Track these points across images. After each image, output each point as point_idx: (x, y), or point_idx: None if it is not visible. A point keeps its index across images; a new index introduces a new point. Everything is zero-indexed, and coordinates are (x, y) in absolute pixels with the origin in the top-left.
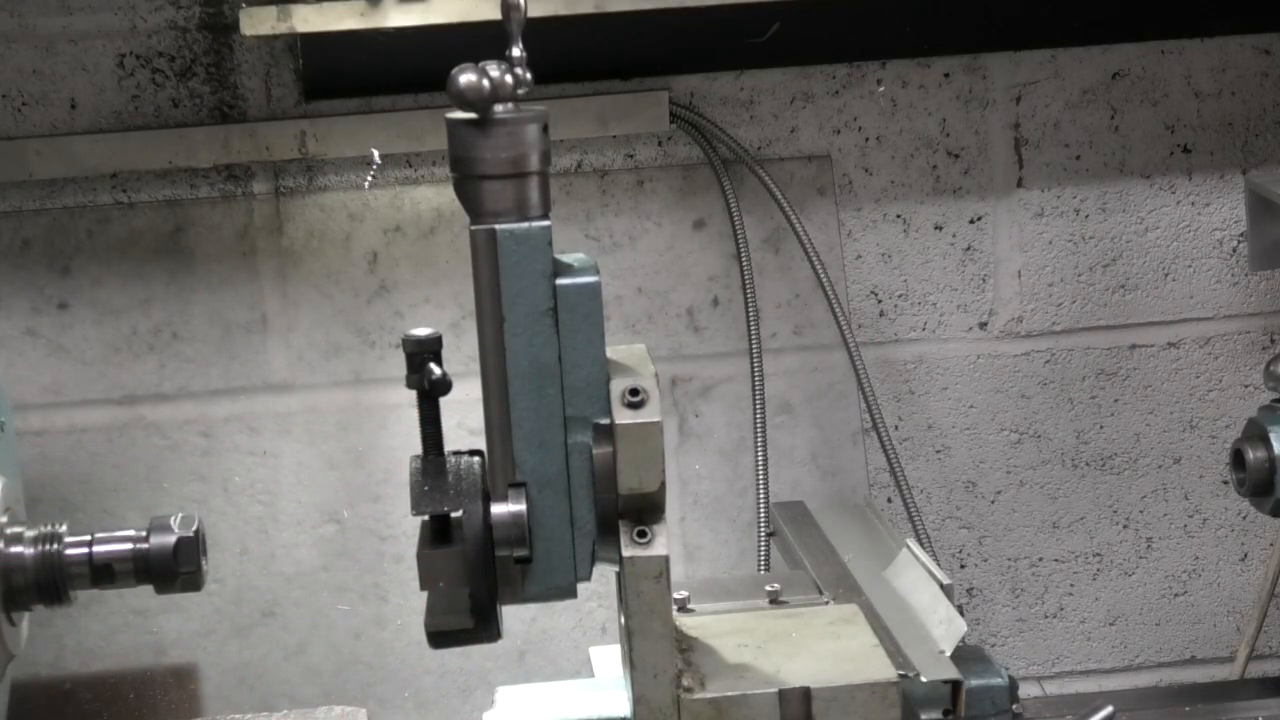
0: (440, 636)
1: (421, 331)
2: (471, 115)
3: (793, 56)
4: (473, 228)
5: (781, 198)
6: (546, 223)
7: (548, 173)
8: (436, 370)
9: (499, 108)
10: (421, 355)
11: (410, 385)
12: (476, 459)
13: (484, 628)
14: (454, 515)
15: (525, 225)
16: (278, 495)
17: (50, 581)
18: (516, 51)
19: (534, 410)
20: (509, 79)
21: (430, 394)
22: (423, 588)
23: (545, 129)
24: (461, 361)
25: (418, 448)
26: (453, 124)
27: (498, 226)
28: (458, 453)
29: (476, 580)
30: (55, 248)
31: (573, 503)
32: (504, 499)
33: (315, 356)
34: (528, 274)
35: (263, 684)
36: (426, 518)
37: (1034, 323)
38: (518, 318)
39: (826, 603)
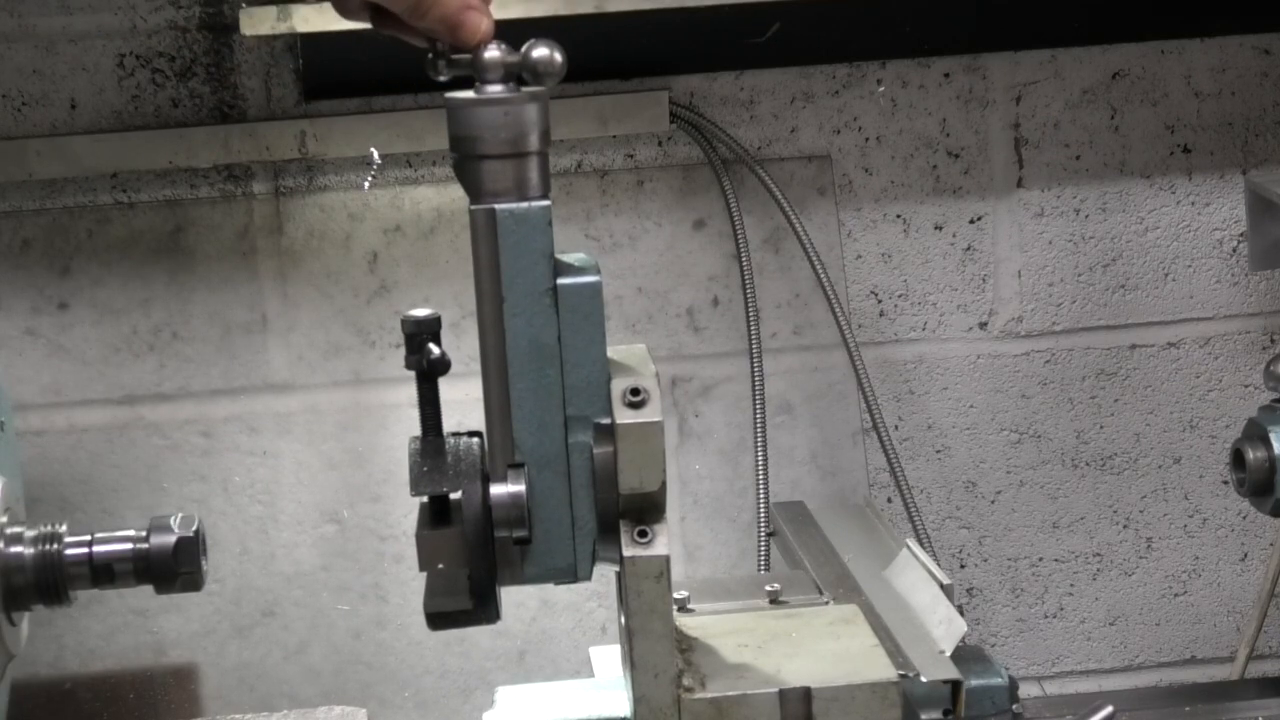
0: (439, 618)
1: (420, 312)
2: (470, 94)
3: (793, 56)
4: (472, 208)
5: (781, 198)
6: (546, 202)
7: (547, 153)
8: (435, 350)
9: (497, 87)
10: (420, 335)
11: (409, 366)
12: (475, 440)
13: (483, 609)
14: (453, 496)
15: (525, 205)
16: (278, 495)
17: (50, 581)
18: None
19: (533, 391)
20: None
21: (429, 374)
22: (422, 569)
23: (544, 108)
24: (462, 362)
25: None
26: (453, 103)
27: (497, 206)
28: (456, 434)
29: (476, 561)
30: (55, 248)
31: (573, 501)
32: (503, 480)
33: (315, 356)
34: (527, 254)
35: (263, 684)
36: (425, 499)
37: (1034, 323)
38: (517, 298)
39: (826, 603)
